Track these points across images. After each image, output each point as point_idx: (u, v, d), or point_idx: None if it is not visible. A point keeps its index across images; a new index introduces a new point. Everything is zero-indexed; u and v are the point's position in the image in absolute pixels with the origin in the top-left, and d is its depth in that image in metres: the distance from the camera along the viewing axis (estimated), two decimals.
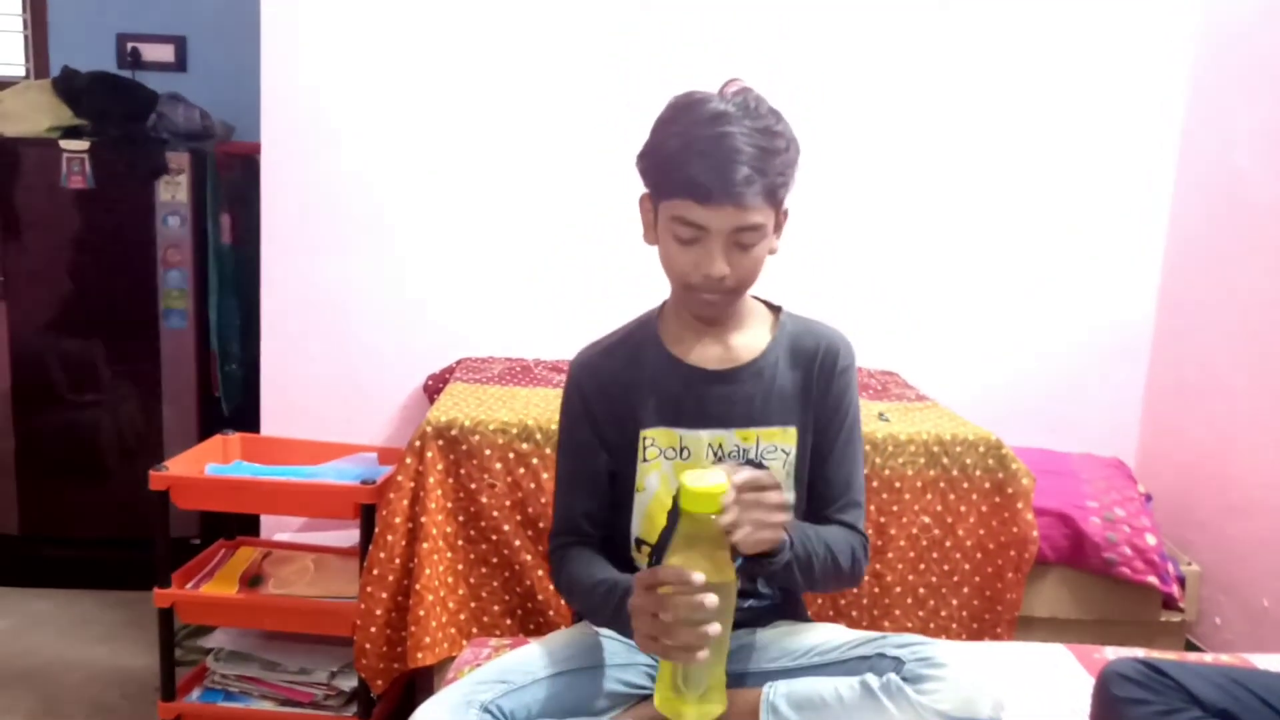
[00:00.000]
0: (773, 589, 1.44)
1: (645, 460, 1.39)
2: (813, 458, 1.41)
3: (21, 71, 3.67)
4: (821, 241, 2.66)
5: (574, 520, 1.42)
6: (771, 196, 1.26)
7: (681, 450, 1.39)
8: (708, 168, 1.22)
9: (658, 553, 1.39)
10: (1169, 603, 2.25)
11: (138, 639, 2.62)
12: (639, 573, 1.20)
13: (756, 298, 1.44)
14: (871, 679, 1.27)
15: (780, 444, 1.39)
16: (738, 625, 1.46)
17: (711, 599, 1.10)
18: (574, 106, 2.67)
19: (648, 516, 1.40)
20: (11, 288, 2.93)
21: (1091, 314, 2.81)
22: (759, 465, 1.38)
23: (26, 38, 3.64)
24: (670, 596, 1.11)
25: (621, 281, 2.59)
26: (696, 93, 1.29)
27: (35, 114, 2.90)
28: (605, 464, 1.41)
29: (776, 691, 1.32)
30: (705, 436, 1.38)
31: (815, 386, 1.40)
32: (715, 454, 1.38)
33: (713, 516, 1.12)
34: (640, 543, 1.41)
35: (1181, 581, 2.27)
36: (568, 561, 1.41)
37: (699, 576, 1.10)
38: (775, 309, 1.45)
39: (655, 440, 1.39)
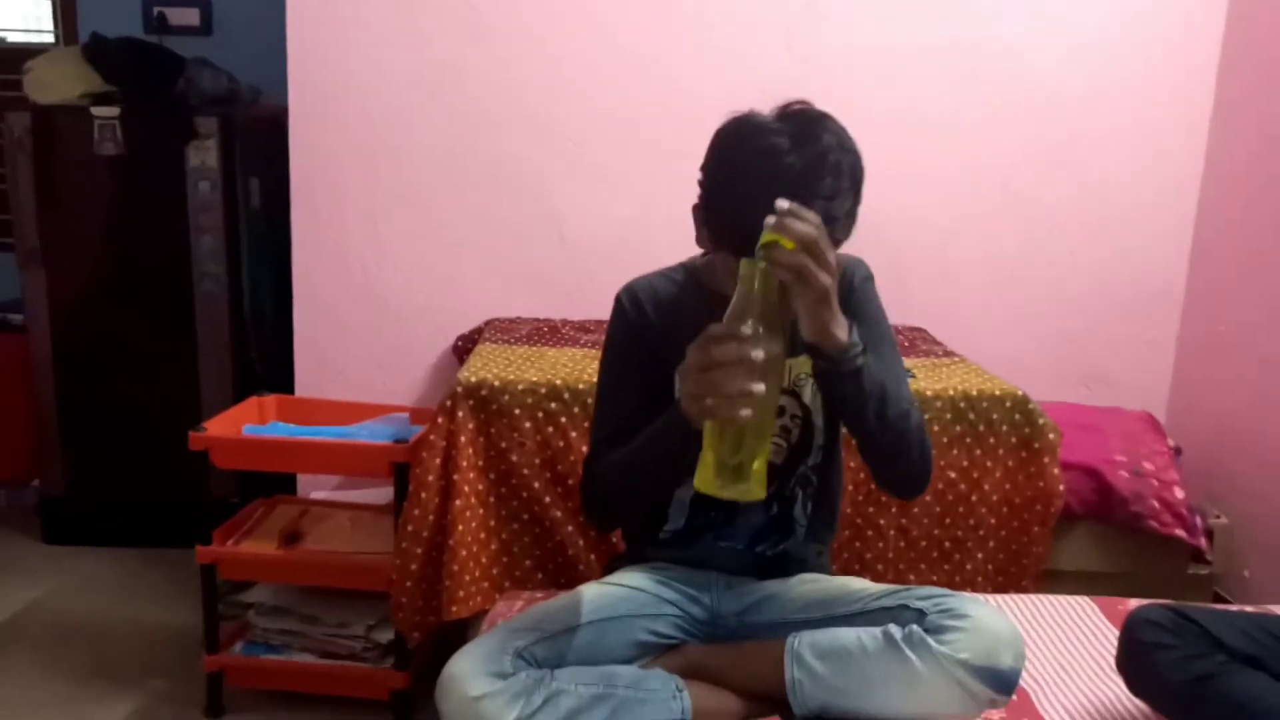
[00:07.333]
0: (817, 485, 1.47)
1: None
2: None
3: (50, 38, 3.70)
4: None
5: (622, 419, 1.40)
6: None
7: None
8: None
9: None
10: (1197, 556, 2.24)
11: (181, 595, 2.68)
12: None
13: None
14: (894, 629, 1.30)
15: (808, 372, 1.42)
16: (765, 575, 1.49)
17: (758, 353, 1.11)
18: (604, 66, 2.65)
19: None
20: (50, 254, 2.97)
21: (1123, 267, 2.77)
22: (794, 395, 1.43)
23: (55, 4, 3.66)
24: (718, 345, 1.12)
25: (649, 242, 2.59)
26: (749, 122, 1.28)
27: (67, 82, 2.92)
28: (646, 378, 1.41)
29: (801, 641, 1.34)
30: None
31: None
32: None
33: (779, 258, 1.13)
34: None
35: (1209, 535, 2.26)
36: (613, 455, 1.38)
37: (748, 328, 1.12)
38: None
39: None
